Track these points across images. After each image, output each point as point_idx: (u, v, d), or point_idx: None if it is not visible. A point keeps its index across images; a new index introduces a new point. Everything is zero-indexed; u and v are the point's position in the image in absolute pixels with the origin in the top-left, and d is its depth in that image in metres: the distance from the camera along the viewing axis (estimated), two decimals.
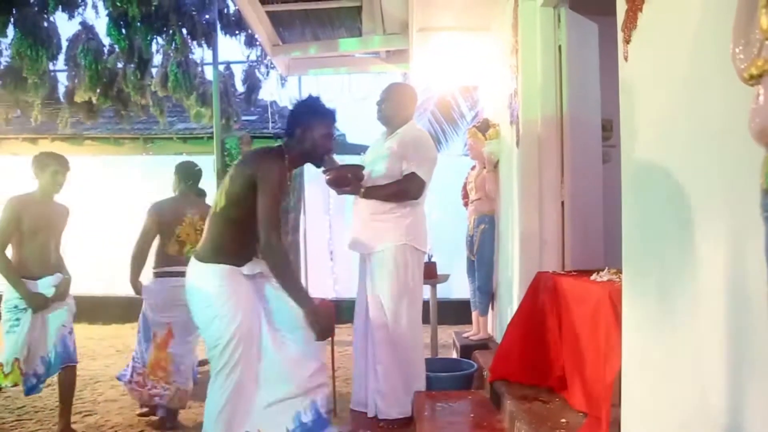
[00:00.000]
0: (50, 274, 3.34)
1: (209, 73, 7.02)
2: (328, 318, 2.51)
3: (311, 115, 2.52)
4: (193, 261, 2.45)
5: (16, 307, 3.19)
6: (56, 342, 3.29)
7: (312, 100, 2.58)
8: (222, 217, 2.40)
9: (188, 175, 3.75)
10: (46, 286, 3.27)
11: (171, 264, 3.57)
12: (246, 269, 2.43)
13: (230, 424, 2.34)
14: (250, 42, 7.37)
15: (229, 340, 2.30)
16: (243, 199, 2.35)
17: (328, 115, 2.56)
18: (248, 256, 2.46)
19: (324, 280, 7.90)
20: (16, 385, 3.19)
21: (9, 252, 3.22)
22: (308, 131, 2.49)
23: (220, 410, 2.32)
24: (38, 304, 3.18)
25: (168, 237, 3.60)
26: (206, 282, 2.36)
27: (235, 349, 2.32)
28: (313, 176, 5.65)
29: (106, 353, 5.77)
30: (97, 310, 7.18)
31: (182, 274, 3.40)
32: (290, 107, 2.62)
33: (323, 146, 2.55)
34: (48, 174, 3.30)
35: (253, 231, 2.34)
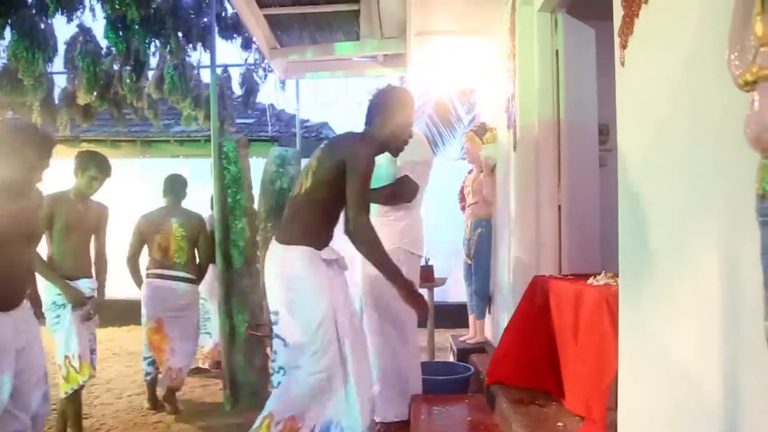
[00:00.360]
0: (88, 276, 3.33)
1: (206, 76, 7.03)
2: (422, 297, 2.52)
3: (392, 104, 2.55)
4: (273, 244, 2.44)
5: (54, 303, 3.16)
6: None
7: (392, 90, 2.61)
8: (307, 199, 2.40)
9: (172, 188, 4.10)
10: (83, 288, 3.23)
11: (156, 268, 3.95)
12: (324, 254, 2.41)
13: (307, 408, 2.31)
14: (248, 45, 7.38)
15: (319, 323, 2.28)
16: (330, 182, 2.36)
17: (409, 104, 2.59)
18: (327, 240, 2.46)
19: None
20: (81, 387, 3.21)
21: (44, 255, 3.20)
22: (389, 120, 2.52)
23: (301, 394, 2.29)
24: (75, 298, 3.14)
25: (151, 245, 3.97)
26: (287, 263, 2.35)
27: (325, 332, 2.29)
28: None
29: (101, 356, 5.71)
30: None
31: (166, 278, 3.92)
32: (371, 97, 2.66)
33: (404, 135, 2.58)
34: (86, 177, 3.28)
35: (335, 215, 2.39)
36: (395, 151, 2.66)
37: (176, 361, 3.90)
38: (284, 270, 2.36)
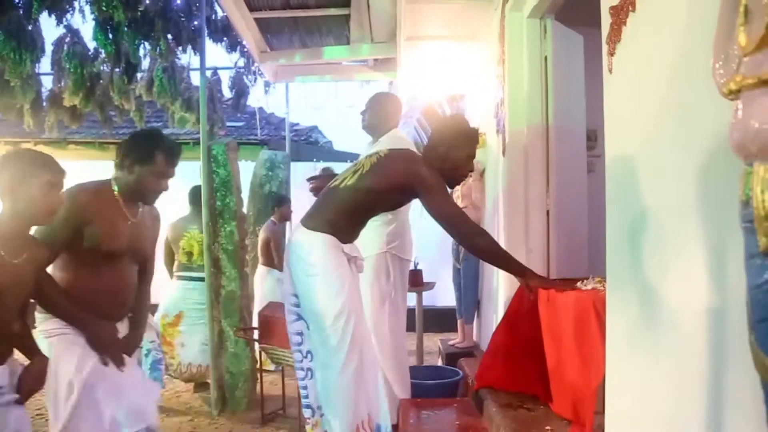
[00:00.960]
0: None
1: (196, 78, 7.00)
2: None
3: (459, 135, 2.47)
4: (298, 227, 2.42)
5: None
6: None
7: (460, 120, 2.56)
8: (344, 194, 2.38)
9: (195, 198, 4.32)
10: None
11: (182, 270, 4.33)
12: (346, 248, 2.39)
13: (357, 410, 2.26)
14: (238, 48, 7.37)
15: (339, 312, 2.24)
16: (375, 190, 2.36)
17: (474, 138, 2.53)
18: (351, 238, 2.45)
19: None
20: None
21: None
22: (453, 151, 2.44)
23: (347, 396, 2.24)
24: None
25: (177, 249, 4.35)
26: (310, 247, 2.32)
27: (347, 323, 2.25)
28: (299, 184, 5.66)
29: None
30: None
31: (191, 279, 4.24)
32: (437, 124, 2.61)
33: (465, 168, 2.52)
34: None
35: (365, 218, 2.43)
36: (453, 184, 2.62)
37: (186, 355, 4.20)
38: (307, 253, 2.32)
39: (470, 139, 2.52)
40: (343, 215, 2.39)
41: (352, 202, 2.38)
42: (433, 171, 2.38)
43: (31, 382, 1.89)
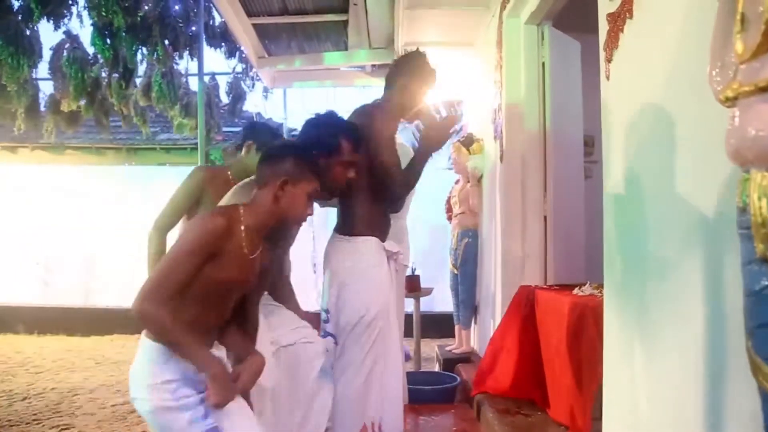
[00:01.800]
0: None
1: (194, 84, 7.02)
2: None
3: (415, 66, 2.46)
4: (335, 236, 2.34)
5: None
6: None
7: (418, 54, 2.51)
8: (355, 188, 2.30)
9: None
10: None
11: None
12: (387, 245, 2.32)
13: (363, 411, 2.23)
14: (236, 54, 7.39)
15: (374, 317, 2.20)
16: (367, 166, 2.26)
17: (431, 71, 2.50)
18: (387, 230, 2.37)
19: (307, 292, 7.83)
20: None
21: None
22: (411, 82, 2.42)
23: (357, 396, 2.21)
24: None
25: None
26: (351, 254, 2.25)
27: (374, 326, 2.21)
28: None
29: (84, 365, 5.67)
30: (75, 321, 7.06)
31: None
32: (394, 62, 2.57)
33: (417, 100, 2.47)
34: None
35: (383, 201, 2.32)
36: (406, 115, 2.53)
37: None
38: (347, 260, 2.26)
39: (426, 70, 2.48)
40: (370, 211, 2.32)
41: (366, 192, 2.31)
42: (388, 121, 2.33)
43: (247, 376, 1.73)
